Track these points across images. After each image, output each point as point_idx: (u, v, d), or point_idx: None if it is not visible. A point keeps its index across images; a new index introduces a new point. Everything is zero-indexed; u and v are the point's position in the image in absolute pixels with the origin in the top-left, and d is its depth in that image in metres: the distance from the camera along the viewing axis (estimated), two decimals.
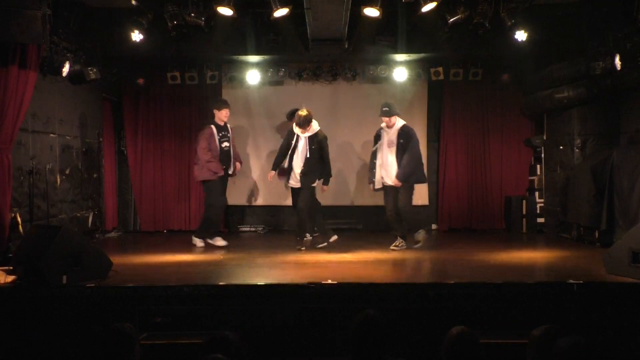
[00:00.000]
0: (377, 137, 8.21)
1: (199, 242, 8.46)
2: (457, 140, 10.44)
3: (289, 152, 8.16)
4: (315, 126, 8.11)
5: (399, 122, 7.93)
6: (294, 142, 8.12)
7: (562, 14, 8.54)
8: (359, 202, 10.27)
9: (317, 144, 8.07)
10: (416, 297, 5.54)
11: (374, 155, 8.20)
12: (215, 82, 10.11)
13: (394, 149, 7.86)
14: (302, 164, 8.08)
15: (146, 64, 10.04)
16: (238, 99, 10.45)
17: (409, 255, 7.56)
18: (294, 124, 8.13)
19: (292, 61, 9.93)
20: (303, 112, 8.04)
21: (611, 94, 8.04)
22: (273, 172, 8.34)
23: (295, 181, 8.21)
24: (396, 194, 7.88)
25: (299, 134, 8.07)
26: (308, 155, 8.05)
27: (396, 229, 8.01)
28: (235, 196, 10.35)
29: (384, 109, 7.93)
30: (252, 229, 10.30)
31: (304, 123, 8.00)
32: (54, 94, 8.04)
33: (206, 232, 8.52)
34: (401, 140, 7.80)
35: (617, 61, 7.15)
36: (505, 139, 10.40)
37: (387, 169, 7.92)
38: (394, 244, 7.91)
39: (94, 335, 5.05)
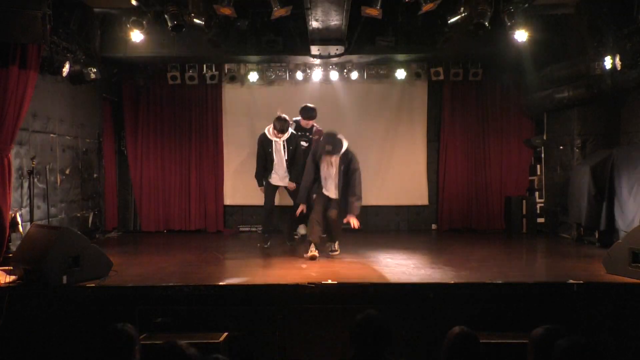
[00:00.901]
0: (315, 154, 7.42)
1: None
2: (457, 140, 10.44)
3: (267, 160, 8.16)
4: (290, 129, 8.19)
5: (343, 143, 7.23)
6: (271, 149, 8.11)
7: (562, 14, 8.55)
8: None
9: (294, 144, 8.10)
10: (416, 297, 5.55)
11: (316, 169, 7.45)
12: (215, 82, 10.14)
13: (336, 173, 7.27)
14: (285, 168, 8.11)
15: (146, 64, 10.05)
16: (238, 98, 10.46)
17: (409, 255, 7.56)
18: (269, 131, 8.07)
19: (292, 61, 9.94)
20: (283, 116, 8.02)
21: (611, 94, 8.04)
22: (261, 187, 8.35)
23: (277, 180, 8.22)
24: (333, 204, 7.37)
25: (276, 139, 8.06)
26: (287, 158, 8.09)
27: (311, 234, 7.40)
28: (235, 196, 10.38)
29: (329, 147, 7.07)
30: (252, 229, 10.29)
31: (286, 128, 8.02)
32: (54, 94, 8.04)
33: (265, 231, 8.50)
34: (342, 167, 7.19)
35: (617, 61, 7.15)
36: (505, 139, 10.41)
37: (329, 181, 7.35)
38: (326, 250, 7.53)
39: (94, 335, 5.06)
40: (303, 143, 8.48)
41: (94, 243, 6.54)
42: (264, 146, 8.16)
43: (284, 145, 8.10)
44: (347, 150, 7.21)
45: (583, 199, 8.18)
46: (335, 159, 7.19)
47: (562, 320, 5.04)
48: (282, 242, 8.48)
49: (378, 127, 10.45)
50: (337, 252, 7.49)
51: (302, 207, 7.46)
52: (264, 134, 8.18)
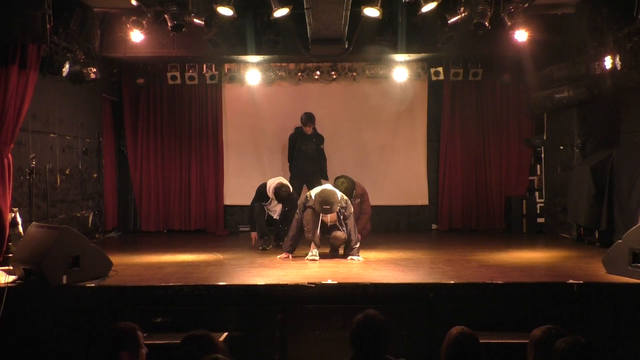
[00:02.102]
0: None
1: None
2: (457, 140, 10.45)
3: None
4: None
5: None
6: (266, 203, 8.21)
7: (562, 14, 8.55)
8: None
9: (290, 205, 8.09)
10: (416, 297, 5.55)
11: None
12: (215, 82, 10.15)
13: None
14: (278, 217, 8.29)
15: (146, 64, 10.05)
16: (238, 98, 10.46)
17: (409, 255, 7.56)
18: (269, 189, 8.07)
19: (292, 61, 9.94)
20: (285, 186, 8.03)
21: (611, 94, 8.03)
22: (255, 233, 8.33)
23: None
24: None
25: (275, 200, 8.14)
26: (280, 215, 8.23)
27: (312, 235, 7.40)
28: (235, 196, 10.37)
29: (327, 206, 7.07)
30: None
31: (288, 198, 8.05)
32: (54, 94, 8.04)
33: None
34: (341, 217, 7.34)
35: (617, 61, 7.14)
36: (505, 139, 10.42)
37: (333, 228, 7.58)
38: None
39: (94, 335, 5.07)
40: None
41: (94, 243, 6.54)
42: (261, 198, 8.20)
43: (280, 206, 8.20)
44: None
45: (583, 199, 8.18)
46: (333, 214, 7.25)
47: (562, 320, 5.04)
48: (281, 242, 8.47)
49: (378, 127, 10.45)
50: (360, 258, 7.26)
51: (286, 254, 7.37)
52: (264, 188, 8.17)
